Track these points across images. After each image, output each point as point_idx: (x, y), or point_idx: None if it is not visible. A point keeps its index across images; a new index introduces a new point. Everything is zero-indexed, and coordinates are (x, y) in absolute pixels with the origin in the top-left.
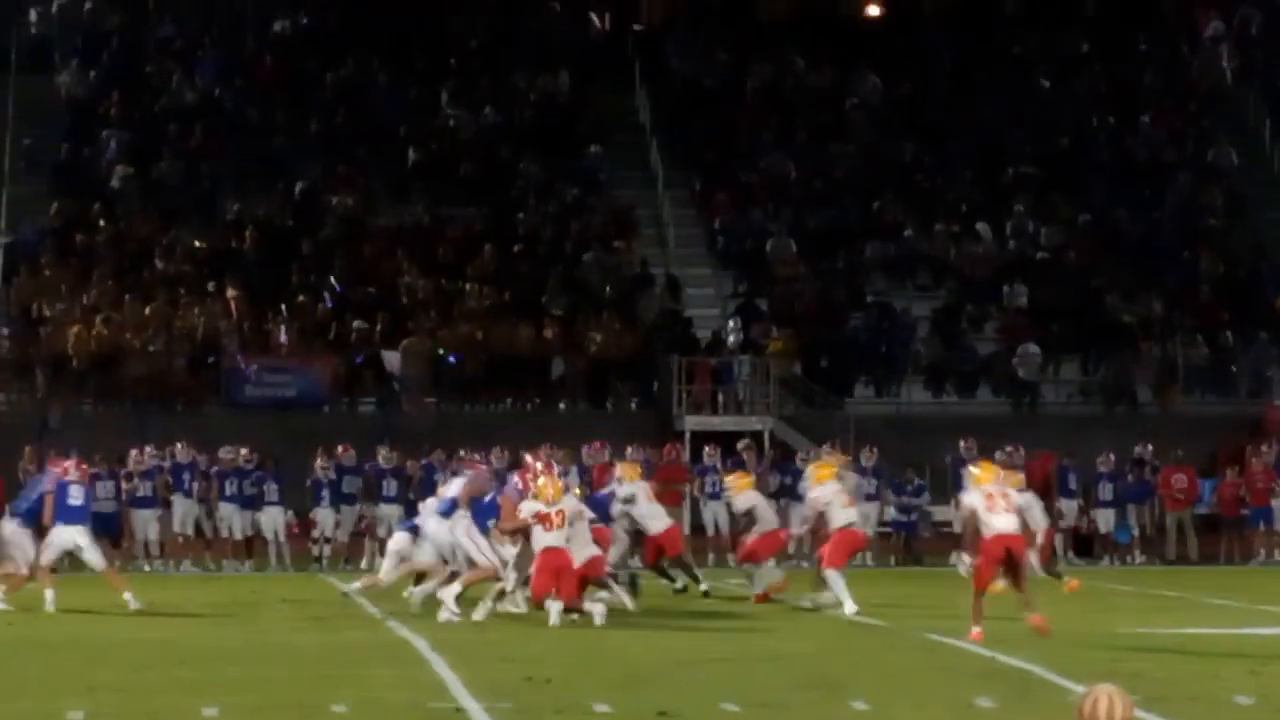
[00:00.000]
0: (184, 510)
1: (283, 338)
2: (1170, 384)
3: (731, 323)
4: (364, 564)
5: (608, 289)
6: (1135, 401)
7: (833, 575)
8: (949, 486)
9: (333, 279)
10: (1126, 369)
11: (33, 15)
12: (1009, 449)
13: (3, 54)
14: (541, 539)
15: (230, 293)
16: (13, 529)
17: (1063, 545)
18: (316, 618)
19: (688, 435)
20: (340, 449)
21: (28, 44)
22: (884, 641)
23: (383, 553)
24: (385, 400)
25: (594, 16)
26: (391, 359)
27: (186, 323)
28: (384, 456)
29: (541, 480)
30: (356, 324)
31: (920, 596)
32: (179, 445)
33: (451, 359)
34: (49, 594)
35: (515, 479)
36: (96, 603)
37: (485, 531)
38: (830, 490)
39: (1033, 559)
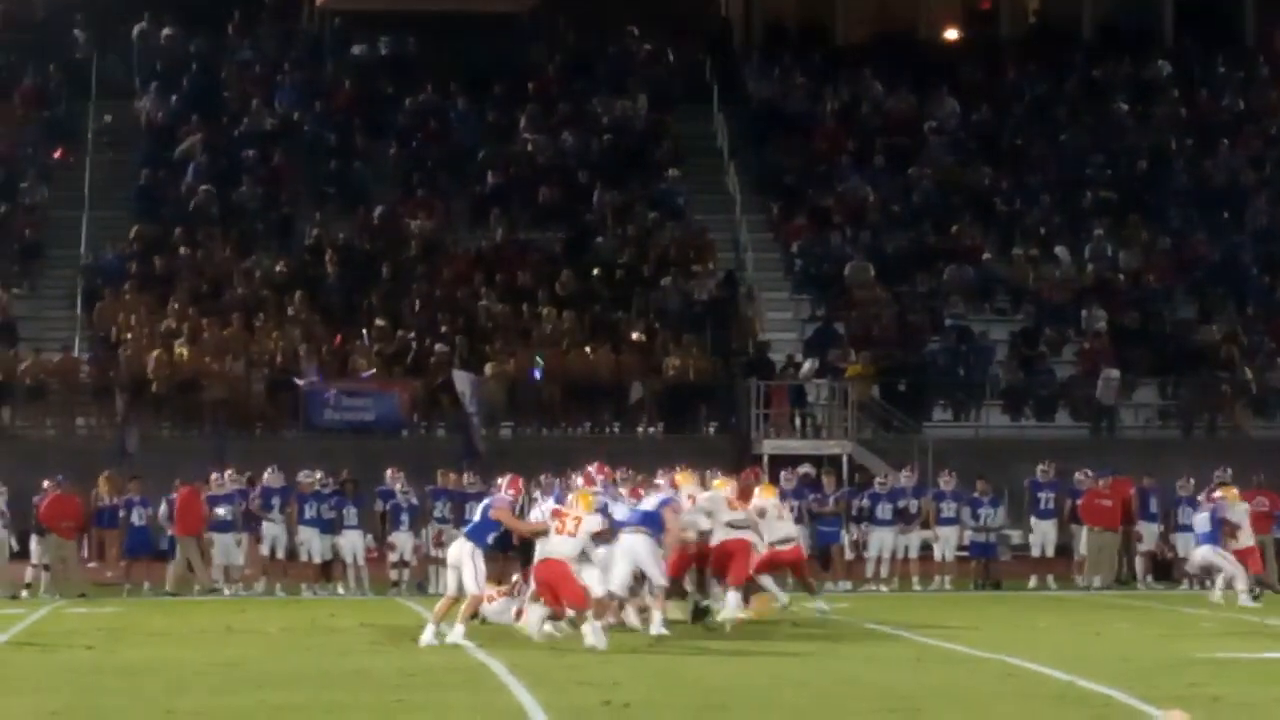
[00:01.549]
0: (274, 534)
1: (362, 365)
2: (1249, 407)
3: (808, 363)
4: (432, 588)
5: (685, 313)
6: (1214, 425)
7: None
8: (1025, 510)
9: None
10: (1205, 393)
11: (112, 41)
12: (1087, 473)
13: (83, 79)
14: (548, 545)
15: (309, 316)
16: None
17: (1141, 570)
18: (394, 642)
19: (766, 459)
20: (390, 473)
21: (107, 70)
22: (963, 666)
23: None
24: (457, 425)
25: (672, 41)
26: (461, 378)
27: (265, 346)
28: (468, 480)
29: (582, 490)
30: (437, 348)
31: (998, 620)
32: (270, 470)
33: (536, 374)
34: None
35: (506, 487)
36: (175, 626)
37: (486, 548)
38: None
39: None
